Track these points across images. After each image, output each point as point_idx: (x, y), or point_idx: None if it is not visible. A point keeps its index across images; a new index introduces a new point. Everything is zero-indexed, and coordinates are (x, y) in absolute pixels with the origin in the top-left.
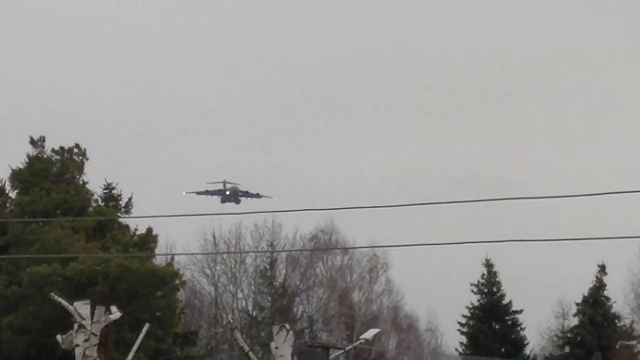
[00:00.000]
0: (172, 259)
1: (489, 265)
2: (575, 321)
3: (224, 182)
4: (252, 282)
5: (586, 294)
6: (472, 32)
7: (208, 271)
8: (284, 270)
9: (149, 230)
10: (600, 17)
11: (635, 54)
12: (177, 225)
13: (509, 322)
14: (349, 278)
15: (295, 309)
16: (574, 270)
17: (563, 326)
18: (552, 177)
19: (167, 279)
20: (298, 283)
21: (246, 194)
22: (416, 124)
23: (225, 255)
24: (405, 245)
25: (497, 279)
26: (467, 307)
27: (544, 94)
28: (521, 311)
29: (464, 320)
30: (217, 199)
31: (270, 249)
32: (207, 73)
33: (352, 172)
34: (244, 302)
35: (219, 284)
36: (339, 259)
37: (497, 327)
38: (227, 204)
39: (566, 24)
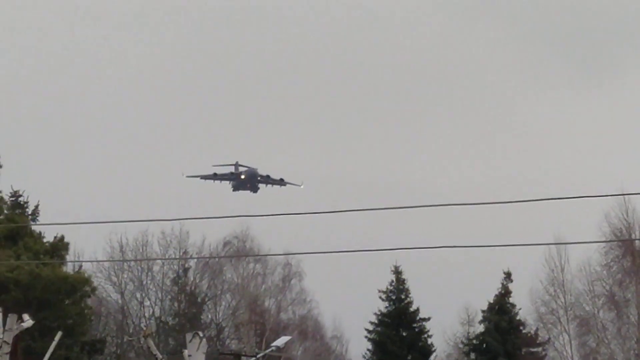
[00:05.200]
0: (80, 266)
1: (397, 272)
2: (480, 328)
3: (236, 164)
4: (160, 289)
5: (492, 301)
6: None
7: (115, 278)
8: (192, 278)
9: (61, 237)
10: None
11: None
12: (85, 232)
13: (416, 330)
14: (262, 286)
15: (203, 316)
16: (480, 277)
17: (469, 333)
18: (455, 184)
19: (77, 285)
20: (205, 290)
21: (267, 180)
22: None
23: (132, 263)
24: (317, 253)
25: (406, 286)
26: (375, 314)
27: (448, 104)
28: (429, 319)
29: (371, 327)
30: (227, 185)
31: (182, 256)
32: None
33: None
34: (151, 309)
35: (126, 292)
36: (252, 266)
37: (404, 334)
38: (241, 192)
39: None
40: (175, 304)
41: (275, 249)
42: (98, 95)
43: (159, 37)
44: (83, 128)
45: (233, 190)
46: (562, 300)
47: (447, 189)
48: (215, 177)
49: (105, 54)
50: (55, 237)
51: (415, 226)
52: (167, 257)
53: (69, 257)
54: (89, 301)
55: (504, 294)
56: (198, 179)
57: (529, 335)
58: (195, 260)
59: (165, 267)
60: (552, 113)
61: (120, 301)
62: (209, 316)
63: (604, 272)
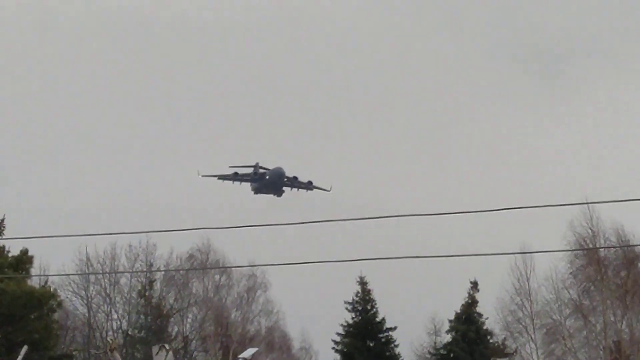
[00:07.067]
0: (47, 280)
1: (363, 283)
2: (448, 338)
3: (256, 165)
4: (127, 302)
5: (459, 311)
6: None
7: (82, 292)
8: (160, 291)
9: (25, 251)
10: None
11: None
12: (52, 246)
13: (383, 340)
14: (226, 298)
15: (170, 329)
16: (448, 287)
17: (435, 343)
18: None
19: (43, 300)
20: (172, 302)
21: (294, 182)
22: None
23: (99, 276)
24: (282, 264)
25: (371, 297)
26: (342, 325)
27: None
28: (395, 328)
29: (338, 338)
30: (246, 186)
31: (148, 269)
32: None
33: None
34: (118, 322)
35: (93, 305)
36: (217, 278)
37: (371, 344)
38: (263, 195)
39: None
40: (142, 317)
41: (240, 260)
42: (94, 99)
43: (164, 37)
44: (80, 134)
45: (254, 193)
46: (529, 309)
47: (412, 202)
48: (235, 177)
49: (104, 53)
50: (21, 252)
51: (381, 237)
52: (134, 270)
53: (35, 271)
54: (56, 315)
55: (471, 303)
56: (215, 179)
57: (497, 345)
58: (162, 272)
59: (132, 280)
60: (517, 125)
61: (87, 314)
62: (176, 329)
63: (570, 280)
